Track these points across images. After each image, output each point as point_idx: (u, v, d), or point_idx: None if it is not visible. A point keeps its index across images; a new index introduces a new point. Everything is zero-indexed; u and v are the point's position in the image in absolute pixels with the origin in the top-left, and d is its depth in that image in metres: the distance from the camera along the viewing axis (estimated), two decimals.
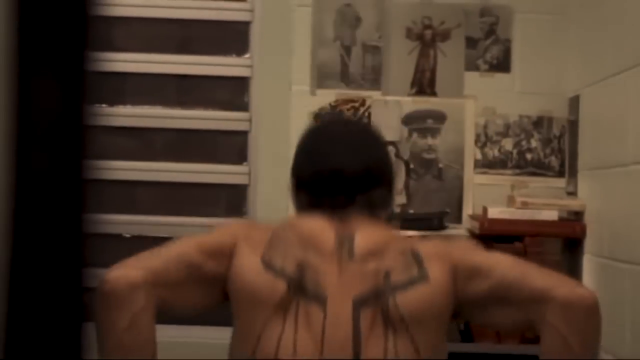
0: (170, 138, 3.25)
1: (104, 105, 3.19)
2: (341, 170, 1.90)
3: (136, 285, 1.63)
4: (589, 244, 2.84)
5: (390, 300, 1.77)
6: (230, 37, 3.24)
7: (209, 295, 1.85)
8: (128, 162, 3.19)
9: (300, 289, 1.77)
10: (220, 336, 3.15)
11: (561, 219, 2.89)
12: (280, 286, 1.76)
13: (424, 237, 2.46)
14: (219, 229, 1.91)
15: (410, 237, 2.16)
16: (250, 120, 3.19)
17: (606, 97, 2.72)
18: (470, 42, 3.10)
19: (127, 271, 1.66)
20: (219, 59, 3.24)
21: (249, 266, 1.78)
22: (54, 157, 0.47)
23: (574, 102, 3.00)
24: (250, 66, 3.19)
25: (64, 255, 0.47)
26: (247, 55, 3.22)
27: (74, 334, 0.48)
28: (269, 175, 3.09)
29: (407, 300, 1.77)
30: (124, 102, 3.23)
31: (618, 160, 2.58)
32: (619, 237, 2.57)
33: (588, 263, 2.84)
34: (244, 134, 3.20)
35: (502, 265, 1.84)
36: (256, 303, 1.76)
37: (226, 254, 1.82)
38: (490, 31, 3.10)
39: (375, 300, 1.78)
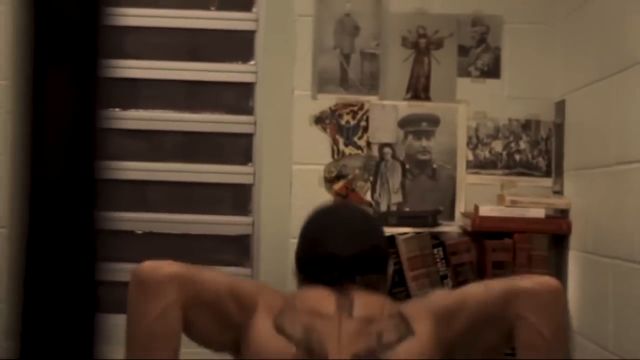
0: (179, 140, 3.26)
1: (117, 109, 3.20)
2: (336, 255, 2.04)
3: (171, 279, 1.63)
4: (574, 240, 2.84)
5: (383, 357, 1.90)
6: (236, 45, 3.25)
7: (222, 334, 1.88)
8: (140, 163, 3.20)
9: (307, 350, 1.86)
10: None
11: (548, 217, 2.89)
12: (290, 349, 1.85)
13: (408, 299, 2.66)
14: (249, 282, 2.03)
15: (397, 301, 2.28)
16: (255, 123, 3.19)
17: (590, 102, 2.72)
18: (462, 50, 3.11)
19: (163, 265, 1.68)
20: (225, 65, 3.24)
21: (263, 329, 1.85)
22: (69, 158, 0.47)
23: (560, 107, 3.00)
24: (255, 72, 3.20)
25: (77, 250, 0.47)
26: (252, 62, 3.22)
27: (87, 324, 0.47)
28: (273, 175, 3.10)
29: (398, 355, 1.90)
30: (136, 106, 3.24)
31: (601, 161, 2.58)
32: (603, 234, 2.57)
33: (573, 258, 2.84)
34: (249, 136, 3.21)
35: (471, 292, 1.98)
36: None
37: (248, 307, 1.88)
38: (481, 40, 3.10)
39: (370, 357, 1.90)
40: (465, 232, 2.99)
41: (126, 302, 1.63)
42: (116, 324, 3.13)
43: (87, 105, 0.46)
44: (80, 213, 0.47)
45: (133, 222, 3.20)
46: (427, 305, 2.03)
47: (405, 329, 1.96)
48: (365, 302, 2.02)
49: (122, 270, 3.16)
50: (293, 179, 3.07)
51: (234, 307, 1.87)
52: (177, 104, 3.25)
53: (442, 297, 2.08)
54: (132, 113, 3.22)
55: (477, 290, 1.99)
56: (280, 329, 1.87)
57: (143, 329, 1.61)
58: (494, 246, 2.86)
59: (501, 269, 2.84)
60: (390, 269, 2.20)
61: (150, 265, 1.64)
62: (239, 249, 3.21)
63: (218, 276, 1.92)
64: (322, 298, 1.99)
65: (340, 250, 2.06)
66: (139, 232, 3.23)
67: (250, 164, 3.21)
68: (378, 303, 2.05)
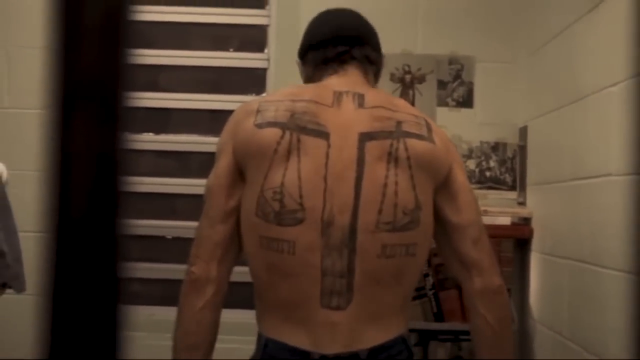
0: (203, 159, 3.27)
1: (151, 133, 3.22)
2: (341, 28, 1.70)
3: (212, 279, 1.52)
4: (535, 244, 2.84)
5: (401, 141, 1.53)
6: (251, 80, 3.26)
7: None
8: (170, 179, 3.22)
9: (298, 128, 1.51)
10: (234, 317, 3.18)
11: (513, 224, 2.90)
12: (276, 132, 1.51)
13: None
14: (218, 150, 1.63)
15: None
16: None
17: (548, 127, 2.73)
18: (441, 84, 3.12)
19: (206, 267, 1.53)
20: (242, 97, 3.25)
21: (245, 131, 1.55)
22: (98, 172, 0.47)
23: (523, 131, 3.01)
24: None
25: (104, 251, 0.47)
26: (264, 94, 3.24)
27: (112, 313, 0.47)
28: None
29: (415, 145, 1.54)
30: (167, 131, 3.26)
31: (558, 177, 2.59)
32: (559, 238, 2.57)
33: (534, 259, 2.84)
34: None
35: (469, 215, 1.59)
36: (257, 156, 1.52)
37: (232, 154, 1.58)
38: (457, 76, 3.12)
39: (383, 139, 1.53)
40: None
41: (175, 296, 1.62)
42: (154, 313, 3.10)
43: (113, 129, 0.46)
44: (106, 221, 0.47)
45: (164, 228, 3.21)
46: (451, 150, 1.62)
47: (428, 134, 1.58)
48: (379, 94, 1.66)
49: (155, 269, 3.19)
50: None
51: (239, 178, 1.56)
52: (202, 129, 3.27)
53: (460, 170, 1.63)
54: (164, 137, 3.24)
55: (471, 224, 1.59)
56: (260, 125, 1.53)
57: (190, 317, 1.54)
58: None
59: None
60: (383, 62, 1.79)
61: (196, 271, 1.53)
62: None
63: (217, 200, 1.57)
64: (317, 91, 1.61)
65: (344, 22, 1.72)
66: (169, 237, 3.25)
67: None
68: (395, 99, 1.69)
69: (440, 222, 1.60)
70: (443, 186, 1.59)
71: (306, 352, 1.48)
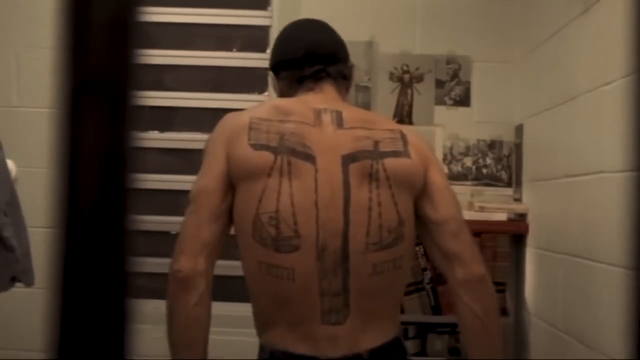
0: None
1: (156, 131, 3.22)
2: (315, 46, 1.72)
3: (201, 273, 1.51)
4: (531, 239, 2.84)
5: (380, 162, 1.58)
6: (253, 79, 3.26)
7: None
8: (174, 176, 3.22)
9: (288, 151, 1.55)
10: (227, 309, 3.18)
11: (509, 220, 2.89)
12: (268, 156, 1.54)
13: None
14: (210, 155, 1.62)
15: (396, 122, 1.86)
16: None
17: (543, 126, 2.73)
18: (439, 84, 3.12)
19: (194, 262, 1.53)
20: (243, 96, 3.26)
21: (242, 149, 1.57)
22: (105, 170, 0.47)
23: (519, 130, 3.01)
24: None
25: (112, 246, 0.47)
26: (266, 93, 3.24)
27: (120, 306, 0.47)
28: None
29: (393, 164, 1.59)
30: (171, 129, 3.26)
31: (552, 174, 2.59)
32: (554, 233, 2.57)
33: (530, 254, 2.84)
34: None
35: (446, 211, 1.62)
36: (252, 176, 1.55)
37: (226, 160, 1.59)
38: (454, 75, 3.12)
39: (363, 159, 1.58)
40: None
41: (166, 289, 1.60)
42: (157, 307, 3.12)
43: (120, 126, 0.46)
44: (115, 216, 0.47)
45: (169, 224, 3.21)
46: (427, 155, 1.66)
47: (404, 148, 1.63)
48: (356, 111, 1.70)
49: (160, 264, 3.18)
50: None
51: (227, 182, 1.58)
52: (205, 127, 3.27)
53: (438, 172, 1.67)
54: (169, 135, 3.24)
55: (452, 218, 1.62)
56: (254, 146, 1.55)
57: (185, 315, 1.52)
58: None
59: None
60: (352, 74, 1.81)
61: (184, 266, 1.52)
62: None
63: (209, 200, 1.57)
64: (296, 105, 1.64)
65: (316, 38, 1.73)
66: (174, 232, 3.25)
67: None
68: (371, 114, 1.74)
69: (421, 219, 1.64)
70: (421, 190, 1.64)
71: (314, 358, 1.53)
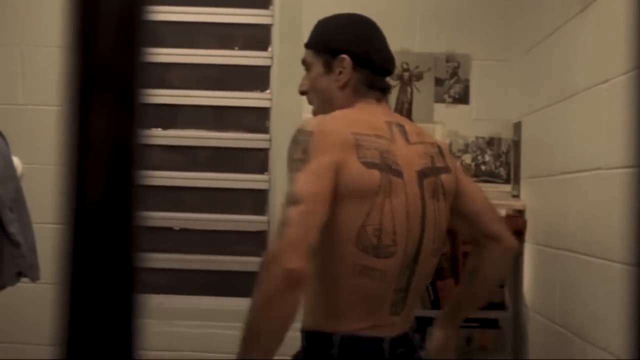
0: (208, 154, 3.27)
1: (159, 129, 3.22)
2: (392, 62, 1.83)
3: (306, 275, 1.51)
4: (528, 235, 2.84)
5: (438, 178, 1.75)
6: (255, 77, 3.26)
7: None
8: (177, 173, 3.22)
9: (387, 168, 1.66)
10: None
11: (508, 215, 2.90)
12: (377, 174, 1.63)
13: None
14: (318, 162, 1.61)
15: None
16: (270, 140, 3.21)
17: (541, 123, 2.73)
18: (438, 82, 3.12)
19: (305, 263, 1.51)
20: (246, 94, 3.26)
21: (354, 168, 1.62)
22: (112, 167, 0.47)
23: (517, 127, 3.01)
24: (270, 99, 3.22)
25: (120, 242, 0.47)
26: (268, 91, 3.24)
27: (127, 301, 0.47)
28: (284, 183, 3.10)
29: (446, 181, 1.76)
30: (174, 127, 3.26)
31: (550, 170, 2.59)
32: (551, 229, 2.57)
33: (528, 249, 2.85)
34: (265, 151, 3.23)
35: (482, 200, 1.88)
36: (363, 194, 1.62)
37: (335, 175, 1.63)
38: (454, 73, 3.11)
39: (431, 176, 1.73)
40: None
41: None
42: (160, 302, 3.12)
43: (128, 123, 0.46)
44: (122, 213, 0.46)
45: (172, 220, 3.22)
46: (455, 164, 1.86)
47: (445, 162, 1.79)
48: (411, 125, 1.84)
49: (164, 259, 3.19)
50: None
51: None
52: (207, 125, 3.27)
53: (464, 175, 1.90)
54: (171, 132, 3.24)
55: (483, 204, 1.86)
56: (364, 163, 1.63)
57: (287, 313, 1.51)
58: (464, 240, 2.87)
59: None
60: None
61: (292, 267, 1.48)
62: (256, 242, 3.22)
63: (316, 210, 1.57)
64: (378, 120, 1.72)
65: (390, 51, 1.83)
66: (177, 228, 3.25)
67: (266, 173, 3.22)
68: (420, 130, 1.84)
69: (459, 212, 1.84)
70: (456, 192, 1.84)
71: (379, 338, 1.69)
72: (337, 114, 1.73)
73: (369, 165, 1.63)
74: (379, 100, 1.78)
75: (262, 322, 1.53)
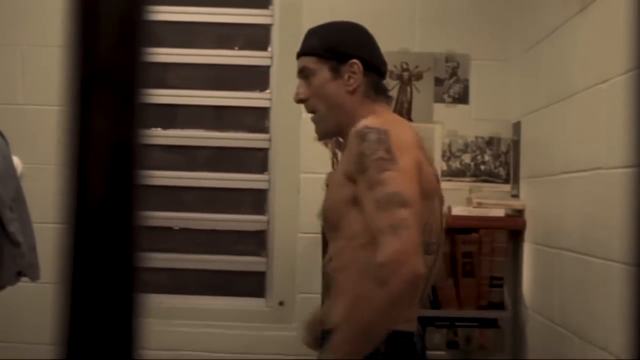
0: (209, 154, 3.27)
1: (159, 128, 3.22)
2: (387, 66, 1.92)
3: (422, 280, 1.59)
4: (528, 234, 2.84)
5: (440, 183, 1.87)
6: (255, 77, 3.26)
7: None
8: (177, 172, 3.22)
9: (434, 175, 1.81)
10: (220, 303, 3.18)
11: (507, 215, 2.90)
12: (434, 174, 1.79)
13: None
14: (408, 164, 1.65)
15: None
16: (269, 140, 3.21)
17: (540, 123, 2.73)
18: (438, 81, 3.12)
19: (423, 266, 1.56)
20: (246, 94, 3.26)
21: (427, 172, 1.72)
22: (119, 168, 0.47)
23: (517, 127, 3.01)
24: (269, 99, 3.21)
25: (120, 242, 0.47)
26: (267, 91, 3.24)
27: (128, 301, 0.47)
28: (284, 182, 3.11)
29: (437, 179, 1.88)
30: (174, 127, 3.26)
31: (549, 170, 2.59)
32: (551, 229, 2.57)
33: (527, 249, 2.85)
34: (265, 151, 3.23)
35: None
36: (431, 194, 1.73)
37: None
38: (453, 73, 3.12)
39: (438, 179, 1.85)
40: None
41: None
42: (162, 302, 3.12)
43: (129, 122, 0.46)
44: (123, 213, 0.46)
45: (172, 219, 3.22)
46: None
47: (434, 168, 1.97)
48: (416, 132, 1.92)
49: (163, 259, 3.19)
50: (301, 185, 3.08)
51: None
52: (207, 124, 3.27)
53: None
54: (171, 132, 3.24)
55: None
56: (431, 165, 1.78)
57: (399, 315, 1.62)
58: (463, 239, 2.87)
59: (469, 258, 2.85)
60: None
61: (419, 272, 1.54)
62: (256, 242, 3.22)
63: (416, 209, 1.61)
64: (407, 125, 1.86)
65: (385, 60, 1.92)
66: (176, 227, 3.25)
67: (265, 173, 3.22)
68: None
69: None
70: None
71: (412, 333, 1.76)
72: (387, 115, 1.77)
73: (432, 167, 1.77)
74: (389, 104, 1.87)
75: (384, 322, 1.58)
